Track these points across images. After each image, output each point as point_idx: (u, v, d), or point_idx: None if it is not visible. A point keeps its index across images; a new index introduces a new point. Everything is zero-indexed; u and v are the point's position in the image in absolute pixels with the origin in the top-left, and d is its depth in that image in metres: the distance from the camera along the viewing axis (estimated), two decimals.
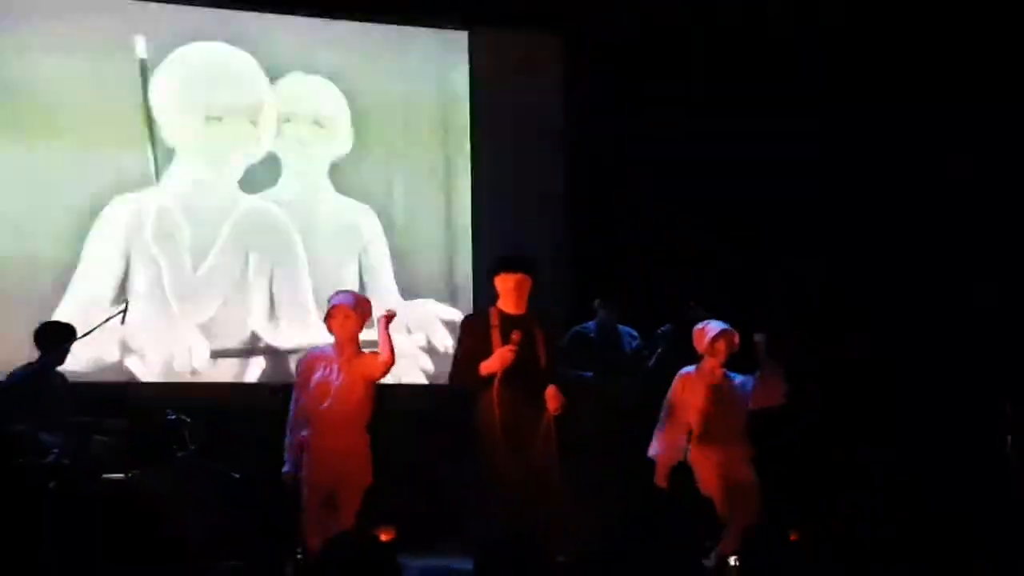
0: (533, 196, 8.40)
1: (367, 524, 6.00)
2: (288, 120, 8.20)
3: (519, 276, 5.87)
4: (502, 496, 5.63)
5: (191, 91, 8.04)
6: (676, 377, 6.52)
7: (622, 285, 7.50)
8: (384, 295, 8.20)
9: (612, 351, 7.36)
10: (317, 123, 8.29)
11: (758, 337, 6.38)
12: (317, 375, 5.99)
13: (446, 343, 8.12)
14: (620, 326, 7.47)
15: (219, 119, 8.04)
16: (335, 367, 6.00)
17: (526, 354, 5.76)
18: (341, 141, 8.36)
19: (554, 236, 8.41)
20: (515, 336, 5.70)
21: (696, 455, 6.40)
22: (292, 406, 6.06)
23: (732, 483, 6.41)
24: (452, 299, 8.30)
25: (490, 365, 5.74)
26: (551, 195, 8.47)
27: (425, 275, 8.33)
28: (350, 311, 6.01)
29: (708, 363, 6.52)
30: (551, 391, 5.75)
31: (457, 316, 7.82)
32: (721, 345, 6.47)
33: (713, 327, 6.51)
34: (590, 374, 7.19)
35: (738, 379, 6.60)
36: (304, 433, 5.98)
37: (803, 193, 8.06)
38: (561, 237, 8.43)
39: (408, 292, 8.33)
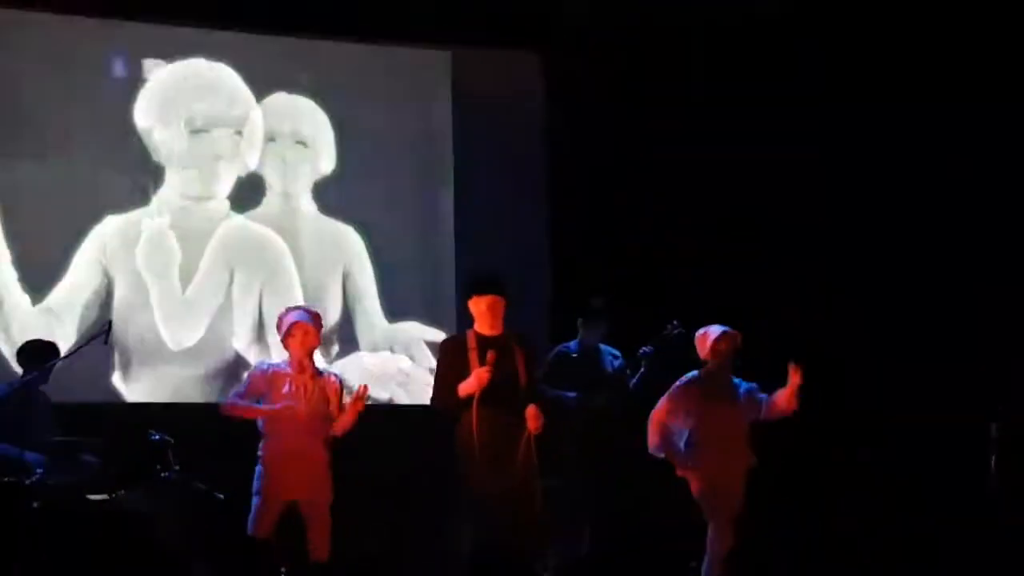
0: (516, 213, 8.34)
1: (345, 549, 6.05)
2: (272, 139, 8.17)
3: (490, 298, 5.87)
4: (483, 516, 5.65)
5: (176, 105, 8.00)
6: (680, 383, 6.40)
7: (604, 305, 7.38)
8: (370, 316, 8.17)
9: (594, 371, 7.34)
10: (301, 143, 8.25)
11: (793, 370, 6.26)
12: (285, 390, 6.06)
13: (430, 364, 7.97)
14: (602, 345, 7.45)
15: (205, 131, 8.00)
16: (295, 384, 6.08)
17: (504, 374, 5.78)
18: (324, 160, 8.30)
19: (539, 254, 8.38)
20: (490, 357, 5.72)
21: (693, 462, 6.33)
22: (234, 395, 6.16)
23: (723, 495, 6.30)
24: (436, 320, 8.24)
25: (468, 386, 5.76)
26: (534, 213, 8.42)
27: (409, 296, 8.27)
28: (309, 327, 6.08)
29: (711, 366, 6.39)
30: (531, 410, 5.76)
31: (440, 337, 7.79)
32: (724, 346, 6.36)
33: (715, 329, 6.40)
34: (572, 394, 7.17)
35: (743, 386, 6.48)
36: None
37: (798, 195, 8.04)
38: (546, 255, 8.40)
39: (393, 313, 8.27)
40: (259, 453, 6.16)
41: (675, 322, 7.25)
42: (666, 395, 6.43)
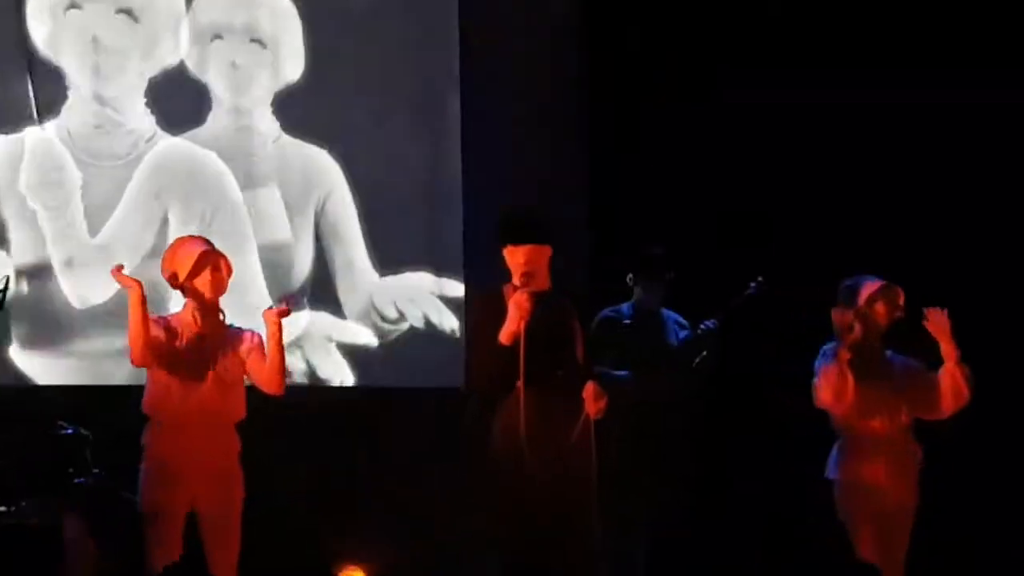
0: (543, 127, 7.82)
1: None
2: (219, 36, 7.68)
3: (529, 248, 5.60)
4: (525, 522, 5.45)
5: None
6: (823, 360, 5.88)
7: (665, 255, 6.90)
8: (355, 268, 7.79)
9: (653, 343, 6.89)
10: (257, 41, 7.77)
11: (934, 314, 5.73)
12: (180, 345, 5.54)
13: (451, 325, 7.64)
14: (664, 310, 6.96)
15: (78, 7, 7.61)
16: (193, 340, 5.56)
17: (556, 344, 5.57)
18: (289, 64, 7.81)
19: (573, 182, 7.85)
20: (521, 280, 5.50)
21: (844, 469, 5.86)
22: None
23: (886, 510, 5.80)
24: (438, 272, 7.83)
25: (508, 327, 5.49)
26: (567, 126, 7.90)
27: (403, 241, 7.82)
28: (222, 260, 5.54)
29: (859, 335, 5.79)
30: (590, 388, 5.53)
31: (458, 291, 7.62)
32: (881, 307, 5.78)
33: (866, 282, 5.84)
34: (625, 373, 6.66)
35: (898, 361, 5.91)
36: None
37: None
38: (583, 184, 7.86)
39: (383, 264, 7.79)
40: (142, 442, 5.56)
41: (758, 279, 6.80)
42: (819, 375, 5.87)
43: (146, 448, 5.56)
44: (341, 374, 7.60)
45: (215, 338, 5.57)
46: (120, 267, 5.41)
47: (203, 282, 5.52)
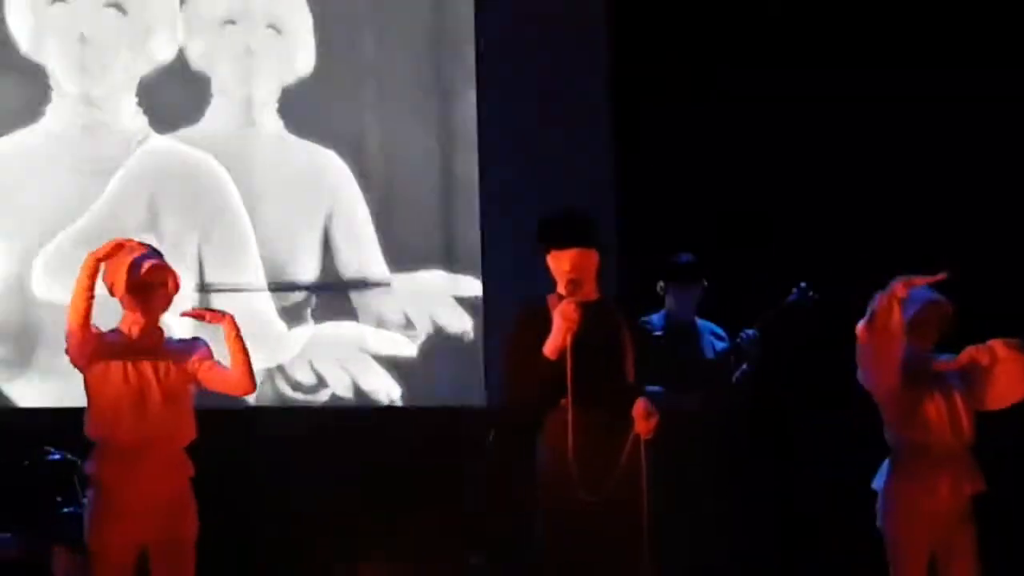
0: (567, 124, 7.71)
1: None
2: (231, 22, 7.57)
3: (575, 252, 5.38)
4: (574, 549, 5.28)
5: None
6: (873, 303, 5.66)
7: (700, 261, 6.80)
8: (368, 272, 7.72)
9: (687, 355, 6.79)
10: (273, 27, 7.68)
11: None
12: (116, 374, 5.27)
13: (463, 327, 7.59)
14: (699, 320, 6.86)
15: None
16: (134, 359, 5.28)
17: (606, 359, 5.40)
18: (303, 54, 7.73)
19: (599, 183, 7.67)
20: (567, 288, 5.28)
21: (899, 487, 5.68)
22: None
23: (945, 531, 5.62)
24: (453, 292, 7.77)
25: (554, 339, 5.30)
26: (592, 124, 7.76)
27: (415, 243, 7.76)
28: (167, 274, 5.28)
29: (911, 353, 5.62)
30: (641, 406, 5.33)
31: (475, 291, 7.56)
32: (928, 317, 5.65)
33: (916, 295, 5.67)
34: (659, 388, 6.33)
35: (942, 357, 5.75)
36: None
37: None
38: (610, 185, 7.71)
39: (396, 266, 7.73)
40: (86, 471, 5.32)
41: (802, 285, 6.70)
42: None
43: (91, 478, 5.30)
44: (384, 386, 7.58)
45: (159, 355, 5.30)
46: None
47: (150, 296, 5.27)
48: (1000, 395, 5.73)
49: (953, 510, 5.61)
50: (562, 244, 5.39)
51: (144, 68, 7.60)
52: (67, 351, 5.33)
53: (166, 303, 5.30)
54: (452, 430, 7.19)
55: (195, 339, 5.46)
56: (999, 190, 7.69)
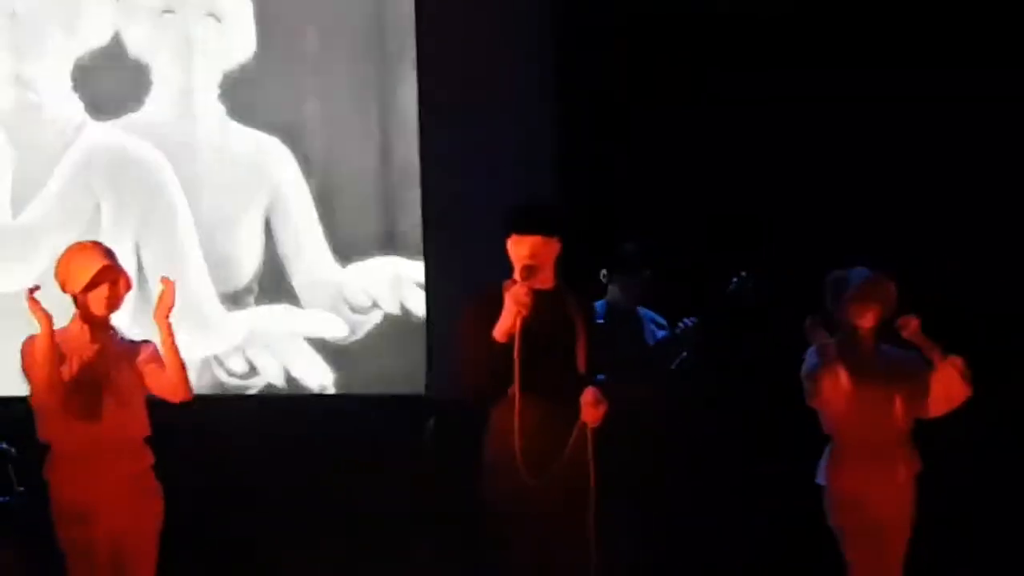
0: (508, 114, 7.66)
1: None
2: (170, 11, 7.56)
3: (534, 240, 5.37)
4: (519, 536, 5.30)
5: None
6: (813, 360, 5.76)
7: (642, 250, 6.76)
8: (313, 263, 7.68)
9: (629, 344, 6.74)
10: (213, 15, 7.65)
11: (905, 322, 5.56)
12: (68, 369, 5.22)
13: (407, 313, 7.56)
14: (641, 309, 6.83)
15: None
16: (84, 360, 5.25)
17: (558, 347, 5.40)
18: (241, 43, 7.69)
19: (540, 171, 7.65)
20: (521, 272, 5.27)
21: (836, 475, 5.73)
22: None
23: (878, 522, 5.64)
24: (398, 255, 7.69)
25: (504, 321, 5.29)
26: (534, 109, 7.71)
27: (357, 230, 7.73)
28: (119, 275, 5.24)
29: (849, 331, 5.69)
30: (589, 394, 5.33)
31: (417, 276, 7.53)
32: (871, 298, 5.64)
33: (856, 275, 5.70)
34: (601, 376, 6.19)
35: (895, 356, 5.75)
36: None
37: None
38: (551, 172, 7.68)
39: (338, 253, 7.70)
40: (44, 477, 5.28)
41: (743, 274, 6.69)
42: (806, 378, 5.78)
43: (50, 484, 5.29)
44: (317, 372, 7.54)
45: (109, 355, 5.29)
46: (34, 289, 5.18)
47: (98, 297, 5.23)
48: (940, 405, 5.72)
49: (894, 496, 5.63)
50: (523, 230, 5.39)
51: (78, 50, 7.54)
52: (34, 397, 5.30)
53: (117, 303, 5.27)
54: (394, 416, 7.13)
55: (145, 341, 5.43)
56: (994, 190, 7.63)
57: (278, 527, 6.96)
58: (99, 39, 7.57)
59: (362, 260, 7.72)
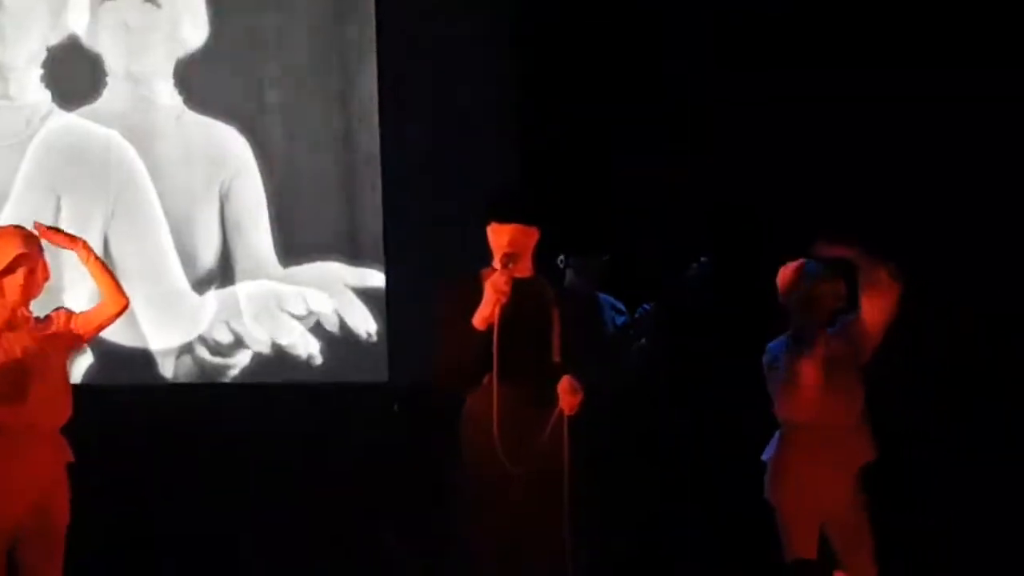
0: (470, 99, 7.60)
1: None
2: None
3: (515, 228, 5.39)
4: (496, 524, 5.31)
5: None
6: (771, 359, 5.75)
7: (601, 235, 6.90)
8: (256, 256, 7.58)
9: (587, 329, 6.32)
10: (151, 1, 7.58)
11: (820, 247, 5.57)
12: None
13: (367, 326, 7.44)
14: (601, 295, 6.82)
15: None
16: (5, 348, 5.17)
17: (534, 335, 5.39)
18: (188, 28, 7.59)
19: (502, 159, 7.57)
20: (501, 260, 5.27)
21: (784, 454, 5.73)
22: None
23: (833, 503, 5.64)
24: (354, 261, 7.63)
25: (483, 309, 5.28)
26: (496, 95, 7.65)
27: (312, 227, 7.65)
28: (38, 263, 5.17)
29: (799, 322, 5.66)
30: (566, 383, 5.32)
31: (377, 282, 7.45)
32: (826, 296, 5.62)
33: (810, 269, 5.68)
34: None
35: (834, 334, 5.72)
36: None
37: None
38: (514, 162, 7.59)
39: (290, 252, 7.62)
40: None
41: (702, 259, 6.80)
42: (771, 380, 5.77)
43: None
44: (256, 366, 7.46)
45: (26, 339, 5.22)
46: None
47: (14, 283, 5.16)
48: (869, 313, 5.68)
49: (841, 482, 5.63)
50: (503, 218, 5.40)
51: (56, 38, 7.49)
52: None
53: (34, 290, 5.22)
54: (359, 404, 7.12)
55: (54, 311, 5.36)
56: (993, 190, 7.61)
57: (246, 515, 6.90)
58: (77, 27, 7.50)
59: (315, 262, 7.62)
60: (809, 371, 5.63)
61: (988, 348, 6.78)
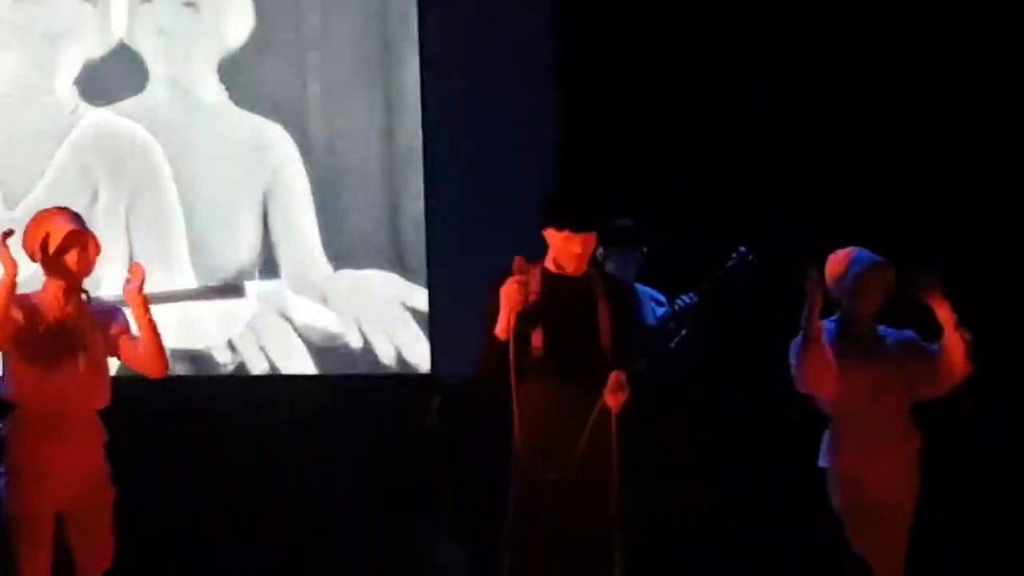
0: (513, 97, 7.57)
1: None
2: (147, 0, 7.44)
3: (587, 237, 5.51)
4: (539, 530, 5.34)
5: None
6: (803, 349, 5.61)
7: (637, 227, 6.77)
8: (304, 260, 7.51)
9: (634, 322, 6.28)
10: (189, 4, 7.49)
11: (923, 276, 5.48)
12: (40, 332, 5.21)
13: (418, 353, 7.38)
14: (639, 286, 6.72)
15: None
16: (54, 323, 5.27)
17: (581, 329, 5.44)
18: (230, 28, 7.53)
19: (541, 152, 7.61)
20: (519, 263, 5.36)
21: (836, 458, 5.69)
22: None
23: (881, 503, 5.59)
24: (397, 261, 7.55)
25: (501, 321, 5.37)
26: (538, 91, 7.65)
27: (356, 226, 7.57)
28: (88, 239, 5.25)
29: (850, 311, 5.62)
30: (614, 379, 5.35)
31: (420, 261, 7.43)
32: (873, 283, 5.57)
33: (859, 257, 5.62)
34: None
35: (892, 337, 5.71)
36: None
37: None
38: (550, 159, 7.59)
39: (333, 245, 7.53)
40: (2, 435, 5.26)
41: (741, 250, 6.74)
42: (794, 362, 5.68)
43: (8, 444, 5.28)
44: (301, 362, 7.43)
45: (79, 320, 5.30)
46: (8, 234, 5.18)
47: (70, 260, 5.24)
48: (934, 388, 5.67)
49: (891, 480, 5.61)
50: (578, 228, 5.46)
51: (98, 40, 7.44)
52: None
53: (87, 267, 5.28)
54: (399, 396, 7.12)
55: (116, 309, 5.44)
56: (994, 191, 7.62)
57: (284, 505, 6.93)
58: (103, 33, 7.45)
59: (362, 269, 7.59)
60: (850, 362, 5.57)
61: (988, 348, 6.69)
